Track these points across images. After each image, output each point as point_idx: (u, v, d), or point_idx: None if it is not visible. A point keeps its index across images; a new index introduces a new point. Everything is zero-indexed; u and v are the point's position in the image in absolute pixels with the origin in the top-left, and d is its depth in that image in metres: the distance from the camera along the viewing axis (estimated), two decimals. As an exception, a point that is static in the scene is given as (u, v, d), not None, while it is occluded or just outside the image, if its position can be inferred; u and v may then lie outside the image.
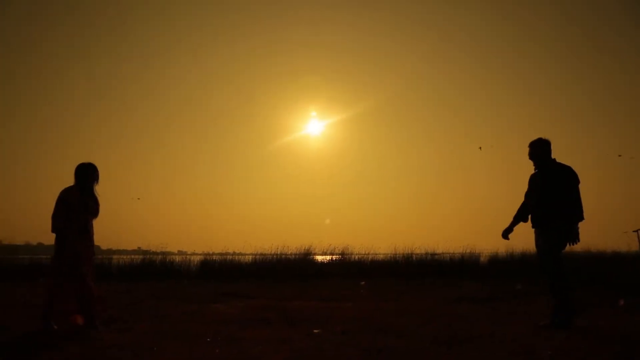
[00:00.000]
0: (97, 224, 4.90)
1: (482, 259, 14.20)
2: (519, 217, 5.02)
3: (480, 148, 31.58)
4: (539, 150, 4.83)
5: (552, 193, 4.65)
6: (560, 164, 4.76)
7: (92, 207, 4.78)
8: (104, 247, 19.40)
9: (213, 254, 12.98)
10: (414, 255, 13.56)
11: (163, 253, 12.98)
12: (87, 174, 4.77)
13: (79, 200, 4.66)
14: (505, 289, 8.52)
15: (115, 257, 13.27)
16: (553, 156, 4.83)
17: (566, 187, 4.62)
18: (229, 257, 12.96)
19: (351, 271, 12.30)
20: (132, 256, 12.99)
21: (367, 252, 13.82)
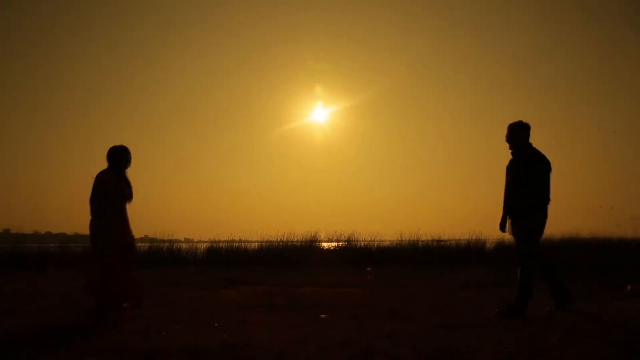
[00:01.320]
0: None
1: (488, 245, 14.17)
2: (507, 207, 4.89)
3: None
4: (518, 132, 4.73)
5: (524, 181, 4.57)
6: (535, 149, 4.68)
7: (127, 192, 4.71)
8: (111, 235, 19.54)
9: (219, 241, 13.01)
10: (419, 242, 13.54)
11: (170, 241, 13.03)
12: (121, 157, 4.69)
13: (115, 184, 4.59)
14: (511, 275, 8.48)
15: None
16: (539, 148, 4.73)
17: (537, 174, 4.56)
18: (235, 244, 13.00)
19: (357, 258, 12.31)
20: (139, 244, 13.05)
21: (373, 239, 13.82)
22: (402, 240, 13.53)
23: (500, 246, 14.07)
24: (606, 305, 5.11)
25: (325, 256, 12.64)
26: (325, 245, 13.61)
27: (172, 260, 11.93)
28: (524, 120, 4.76)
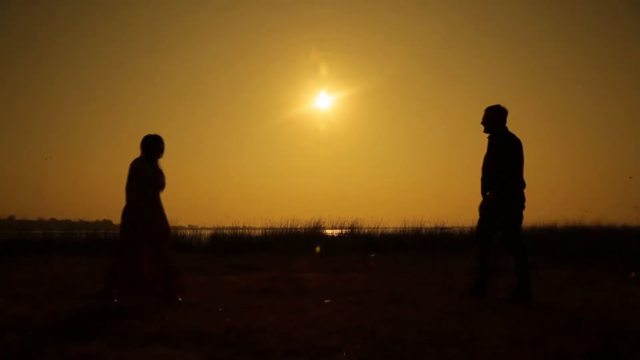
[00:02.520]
0: (109, 199, 4.89)
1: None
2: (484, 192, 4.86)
3: (630, 177, 29.04)
4: (494, 115, 4.69)
5: (502, 165, 4.54)
6: (509, 133, 4.65)
7: (161, 180, 4.71)
8: (115, 222, 19.59)
9: (223, 228, 13.04)
10: (423, 229, 13.55)
11: (174, 227, 13.05)
12: (155, 145, 4.68)
13: (149, 173, 4.59)
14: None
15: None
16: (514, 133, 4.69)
17: (514, 158, 4.54)
18: (239, 231, 13.03)
19: (361, 244, 12.33)
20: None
21: (376, 226, 13.83)
22: (405, 227, 13.54)
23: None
24: (610, 291, 5.11)
25: (329, 242, 12.66)
26: (329, 232, 13.63)
27: (176, 246, 11.98)
28: (501, 105, 4.73)
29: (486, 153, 4.77)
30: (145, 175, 4.55)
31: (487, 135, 4.79)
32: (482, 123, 4.78)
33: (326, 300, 4.56)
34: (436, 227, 13.67)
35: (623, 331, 3.24)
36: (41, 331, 3.31)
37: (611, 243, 10.99)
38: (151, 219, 4.55)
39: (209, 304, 4.33)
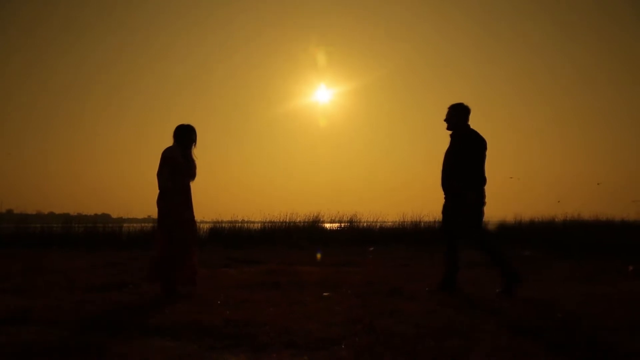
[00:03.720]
0: (108, 192, 4.89)
1: (490, 226, 14.21)
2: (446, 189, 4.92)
3: (598, 184, 29.69)
4: (456, 113, 4.79)
5: (459, 160, 4.66)
6: (472, 130, 4.74)
7: (193, 170, 4.72)
8: (114, 215, 19.57)
9: (222, 221, 13.03)
10: (422, 222, 13.58)
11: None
12: (188, 135, 4.68)
13: (181, 161, 4.59)
14: (513, 255, 8.52)
15: (125, 225, 13.38)
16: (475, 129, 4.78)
17: (476, 154, 4.64)
18: (238, 224, 13.03)
19: (360, 238, 12.34)
20: (143, 224, 13.08)
21: (375, 220, 13.85)
22: (404, 221, 13.57)
23: (502, 227, 14.12)
24: (609, 285, 5.12)
25: (328, 236, 12.67)
26: (327, 226, 13.64)
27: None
28: (464, 103, 4.83)
29: (447, 149, 4.87)
30: (177, 164, 4.56)
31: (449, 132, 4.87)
32: (445, 121, 4.86)
33: (325, 294, 4.57)
34: (435, 221, 13.69)
35: (622, 323, 3.24)
36: (44, 323, 3.31)
37: (610, 237, 11.00)
38: (184, 207, 4.59)
39: (208, 297, 4.33)
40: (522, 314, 3.55)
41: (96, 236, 11.68)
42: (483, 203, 4.68)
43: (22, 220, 12.52)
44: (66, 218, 13.44)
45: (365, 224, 13.66)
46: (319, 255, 5.64)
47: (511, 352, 2.58)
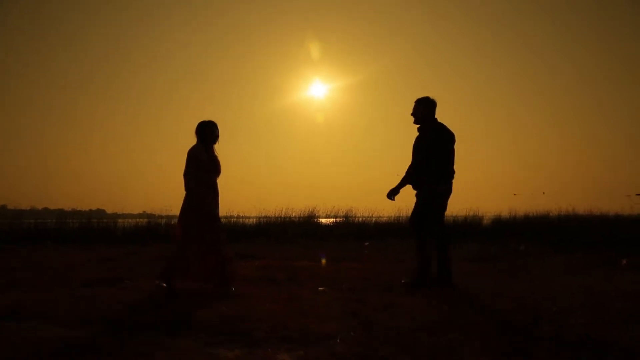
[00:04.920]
0: (103, 188, 4.86)
1: (485, 221, 14.26)
2: (406, 179, 4.99)
3: (515, 194, 29.45)
4: (422, 107, 4.80)
5: (427, 153, 4.68)
6: (439, 123, 4.76)
7: (217, 166, 4.70)
8: (109, 211, 19.52)
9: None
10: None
11: (168, 217, 13.02)
12: (210, 131, 4.65)
13: (206, 159, 4.59)
14: (508, 250, 8.57)
15: (120, 220, 13.34)
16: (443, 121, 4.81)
17: (444, 147, 4.66)
18: (233, 219, 13.00)
19: (355, 233, 12.35)
20: (138, 220, 13.04)
21: (370, 215, 13.85)
22: (399, 216, 13.58)
23: (497, 222, 14.17)
24: (602, 278, 5.15)
25: (324, 231, 12.68)
26: (323, 220, 13.65)
27: (170, 236, 11.94)
28: (430, 97, 4.82)
29: (414, 143, 4.88)
30: (203, 162, 4.55)
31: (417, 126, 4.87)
32: (412, 115, 4.86)
33: (320, 288, 4.58)
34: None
35: (615, 314, 3.26)
36: (38, 318, 3.30)
37: (603, 231, 11.07)
38: (211, 205, 4.57)
39: (204, 292, 4.33)
40: (516, 308, 3.57)
41: (91, 232, 11.62)
42: (447, 196, 4.71)
43: (16, 216, 12.46)
44: (60, 213, 13.38)
45: (360, 219, 13.68)
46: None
47: (505, 346, 2.59)
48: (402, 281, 4.70)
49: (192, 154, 4.55)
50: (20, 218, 12.27)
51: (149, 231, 11.97)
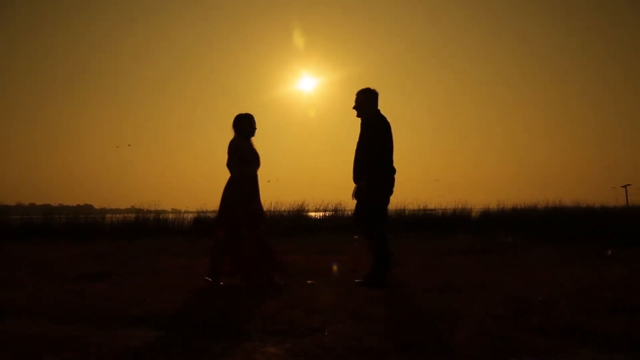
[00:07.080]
0: (90, 183, 4.81)
1: (473, 213, 14.36)
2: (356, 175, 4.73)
3: (436, 180, 30.13)
4: (363, 99, 4.63)
5: (373, 147, 4.48)
6: (381, 116, 4.59)
7: (258, 159, 4.69)
8: (97, 206, 19.35)
9: (207, 211, 12.93)
10: (406, 210, 13.65)
11: (157, 212, 12.94)
12: (249, 124, 4.65)
13: (247, 151, 4.58)
14: (496, 242, 8.63)
15: (108, 216, 13.24)
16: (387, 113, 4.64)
17: (386, 140, 4.52)
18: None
19: (345, 226, 12.35)
20: (126, 215, 12.95)
21: (360, 208, 13.85)
22: (388, 209, 13.61)
23: (486, 214, 14.28)
24: (588, 268, 5.21)
25: (313, 224, 12.67)
26: (312, 214, 13.64)
27: (159, 230, 11.88)
28: (371, 88, 4.67)
29: (358, 138, 4.68)
30: (245, 154, 4.56)
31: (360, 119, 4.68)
32: (354, 108, 4.69)
33: (309, 281, 4.58)
34: (419, 209, 13.79)
35: (600, 304, 3.30)
36: (25, 314, 3.27)
37: (590, 223, 11.19)
38: (254, 197, 4.58)
39: (193, 287, 4.31)
40: (504, 298, 3.59)
41: (78, 227, 11.53)
42: (390, 192, 4.60)
43: (3, 212, 12.30)
44: (47, 209, 13.25)
45: (350, 213, 13.69)
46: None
47: (493, 335, 2.61)
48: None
49: (235, 147, 4.57)
50: (7, 214, 12.12)
51: (137, 226, 11.89)
